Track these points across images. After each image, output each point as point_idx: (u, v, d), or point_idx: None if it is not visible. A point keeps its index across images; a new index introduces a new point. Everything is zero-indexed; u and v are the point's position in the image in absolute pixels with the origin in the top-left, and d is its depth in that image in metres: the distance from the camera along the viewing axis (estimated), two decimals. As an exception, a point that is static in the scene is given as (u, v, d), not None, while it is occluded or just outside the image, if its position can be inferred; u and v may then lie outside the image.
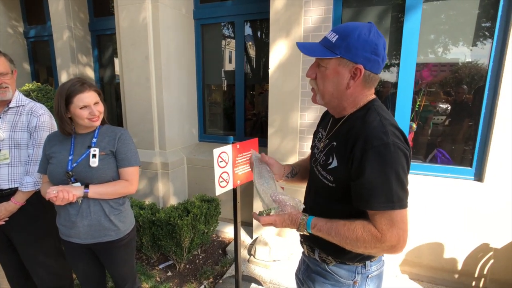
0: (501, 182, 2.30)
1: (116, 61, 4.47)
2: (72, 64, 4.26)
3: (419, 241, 2.48)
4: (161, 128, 3.44)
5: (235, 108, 3.75)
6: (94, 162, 1.46)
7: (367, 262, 1.05)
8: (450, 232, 2.39)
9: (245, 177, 2.21)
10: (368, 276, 1.06)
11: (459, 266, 2.41)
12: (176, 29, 3.47)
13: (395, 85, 2.72)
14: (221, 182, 2.06)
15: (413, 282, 2.52)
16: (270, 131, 2.96)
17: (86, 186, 1.45)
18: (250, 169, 2.27)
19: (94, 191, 1.45)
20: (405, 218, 0.86)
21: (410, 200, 0.91)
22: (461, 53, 2.47)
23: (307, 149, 2.86)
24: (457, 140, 2.62)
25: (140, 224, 2.62)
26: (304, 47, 0.97)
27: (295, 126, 2.83)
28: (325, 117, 1.20)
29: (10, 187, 1.72)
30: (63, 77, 4.31)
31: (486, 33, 2.35)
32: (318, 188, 1.07)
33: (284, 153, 2.94)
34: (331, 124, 1.08)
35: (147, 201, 2.99)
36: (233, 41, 3.67)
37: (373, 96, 1.00)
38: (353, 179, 0.90)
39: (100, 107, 1.52)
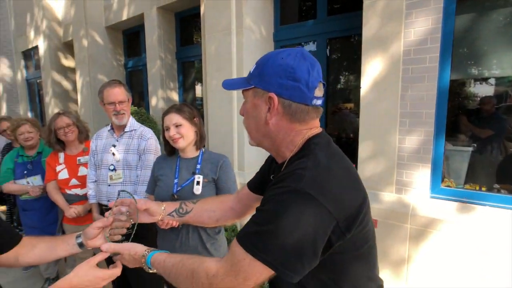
0: None
1: (197, 85, 4.74)
2: (161, 89, 4.65)
3: None
4: (241, 150, 3.43)
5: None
6: (197, 190, 1.47)
7: None
8: None
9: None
10: None
11: None
12: (256, 52, 3.49)
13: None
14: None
15: None
16: (362, 157, 2.67)
17: None
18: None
19: None
20: (258, 279, 0.67)
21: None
22: None
23: (406, 178, 2.48)
24: None
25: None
26: (226, 84, 0.87)
27: (392, 151, 2.49)
28: (271, 162, 0.99)
29: None
30: (153, 101, 4.73)
31: None
32: None
33: (378, 181, 2.60)
34: (275, 172, 0.89)
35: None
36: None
37: (317, 131, 0.81)
38: None
39: (182, 129, 1.50)
